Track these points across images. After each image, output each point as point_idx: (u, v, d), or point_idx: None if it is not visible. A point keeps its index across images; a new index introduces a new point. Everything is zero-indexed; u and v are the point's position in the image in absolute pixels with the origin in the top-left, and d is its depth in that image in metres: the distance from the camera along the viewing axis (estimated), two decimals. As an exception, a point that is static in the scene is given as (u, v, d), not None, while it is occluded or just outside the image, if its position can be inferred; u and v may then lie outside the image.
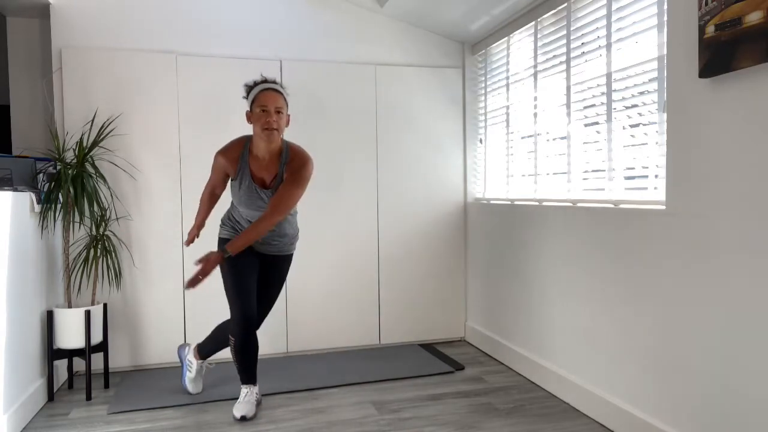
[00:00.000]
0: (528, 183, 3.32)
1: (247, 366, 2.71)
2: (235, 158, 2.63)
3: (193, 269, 3.45)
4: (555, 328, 2.91)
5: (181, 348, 3.06)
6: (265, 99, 2.53)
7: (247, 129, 3.55)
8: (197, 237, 2.88)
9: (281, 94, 2.59)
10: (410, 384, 3.10)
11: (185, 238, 3.45)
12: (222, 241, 2.77)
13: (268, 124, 2.52)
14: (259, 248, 2.76)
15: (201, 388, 2.99)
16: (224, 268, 2.68)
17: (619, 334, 2.44)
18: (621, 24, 2.51)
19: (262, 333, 3.61)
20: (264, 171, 2.63)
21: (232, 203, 2.78)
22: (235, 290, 2.65)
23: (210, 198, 2.86)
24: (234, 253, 2.56)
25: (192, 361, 2.95)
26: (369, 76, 3.76)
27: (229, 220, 2.78)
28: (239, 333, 2.65)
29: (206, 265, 2.52)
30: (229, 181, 2.73)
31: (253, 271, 2.73)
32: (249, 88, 2.62)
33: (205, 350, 2.91)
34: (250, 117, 2.60)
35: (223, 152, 2.65)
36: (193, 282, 2.48)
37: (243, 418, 2.63)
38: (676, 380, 2.13)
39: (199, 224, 2.88)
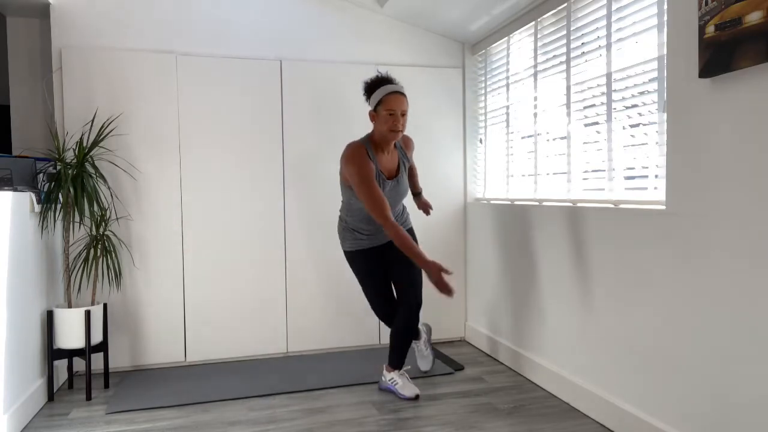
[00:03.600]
0: (528, 183, 3.32)
1: (401, 351, 2.94)
2: (370, 159, 2.72)
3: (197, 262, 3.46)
4: (555, 328, 2.91)
5: (381, 383, 3.02)
6: (393, 103, 2.67)
7: (250, 127, 3.56)
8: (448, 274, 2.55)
9: (405, 96, 2.72)
10: (410, 384, 3.10)
11: (185, 238, 3.45)
12: (349, 255, 2.95)
13: (396, 127, 2.68)
14: (380, 242, 2.91)
15: (416, 389, 2.90)
16: (353, 270, 2.95)
17: (619, 334, 2.44)
18: (621, 24, 2.51)
19: (261, 332, 3.61)
20: (389, 164, 2.83)
21: (349, 215, 2.86)
22: (368, 293, 2.97)
23: (392, 220, 2.58)
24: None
25: (392, 377, 2.95)
26: (369, 76, 3.75)
27: (345, 231, 2.90)
28: (389, 323, 2.99)
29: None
30: (349, 190, 2.78)
31: (381, 268, 2.94)
32: (371, 87, 2.73)
33: (394, 361, 2.96)
34: (375, 117, 2.73)
35: (364, 160, 2.66)
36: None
37: (417, 397, 2.86)
38: (676, 380, 2.13)
39: (427, 260, 2.52)
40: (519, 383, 3.09)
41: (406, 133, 3.05)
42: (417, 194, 3.20)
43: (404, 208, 3.03)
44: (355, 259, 2.94)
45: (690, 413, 2.07)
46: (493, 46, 3.69)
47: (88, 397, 2.93)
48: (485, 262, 3.69)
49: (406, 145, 2.95)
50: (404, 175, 2.89)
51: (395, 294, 2.98)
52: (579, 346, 2.72)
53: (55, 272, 3.15)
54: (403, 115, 2.71)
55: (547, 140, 3.11)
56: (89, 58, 3.31)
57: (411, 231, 3.03)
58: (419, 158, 3.85)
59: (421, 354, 3.25)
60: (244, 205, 3.57)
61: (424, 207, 3.18)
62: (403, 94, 2.72)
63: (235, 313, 3.57)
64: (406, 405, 2.80)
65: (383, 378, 2.99)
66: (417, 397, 2.87)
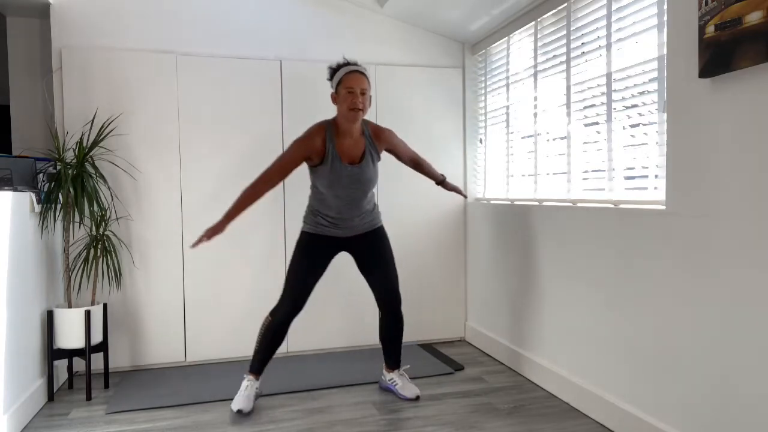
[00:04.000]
0: (528, 183, 3.32)
1: (266, 354, 2.80)
2: (322, 143, 2.67)
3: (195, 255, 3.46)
4: (555, 328, 2.91)
5: (381, 383, 3.04)
6: (351, 81, 2.64)
7: (250, 127, 3.56)
8: (207, 240, 2.60)
9: (365, 76, 2.69)
10: (410, 384, 3.10)
11: (185, 238, 3.45)
12: (304, 235, 2.81)
13: (354, 104, 2.63)
14: (343, 233, 2.80)
15: (416, 390, 2.90)
16: (297, 250, 2.78)
17: (619, 334, 2.44)
18: (621, 24, 2.51)
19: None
20: (351, 150, 2.73)
21: (313, 198, 2.80)
22: (296, 277, 2.76)
23: (260, 191, 2.64)
24: None
25: (391, 377, 2.96)
26: (369, 76, 3.75)
27: (310, 215, 2.81)
28: (281, 316, 2.76)
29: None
30: (313, 174, 2.75)
31: (323, 265, 2.82)
32: (333, 71, 2.71)
33: (390, 362, 2.97)
34: (336, 98, 2.70)
35: (308, 139, 2.66)
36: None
37: (240, 412, 2.68)
38: (676, 380, 2.13)
39: (225, 223, 2.60)
40: (519, 383, 3.09)
41: (399, 134, 3.04)
42: (441, 182, 3.10)
43: (375, 206, 2.89)
44: (307, 242, 2.78)
45: (690, 413, 2.07)
46: (493, 46, 3.69)
47: (88, 397, 2.93)
48: (485, 262, 3.69)
49: (377, 135, 2.80)
50: (371, 164, 2.74)
51: (374, 293, 2.90)
52: (579, 346, 2.72)
53: (55, 272, 3.15)
54: (363, 94, 2.64)
55: (547, 140, 3.11)
56: (89, 58, 3.31)
57: (381, 228, 2.89)
58: (419, 158, 3.85)
59: (248, 395, 2.77)
60: (244, 205, 3.57)
61: (456, 191, 3.11)
62: (362, 74, 2.67)
63: (235, 313, 3.57)
64: (406, 405, 2.80)
65: (383, 378, 2.99)
66: (417, 398, 2.86)
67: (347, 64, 2.70)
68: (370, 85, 2.70)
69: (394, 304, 2.89)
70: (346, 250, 2.88)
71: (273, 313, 2.80)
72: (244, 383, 2.79)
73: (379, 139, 2.81)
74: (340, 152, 2.69)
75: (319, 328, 3.72)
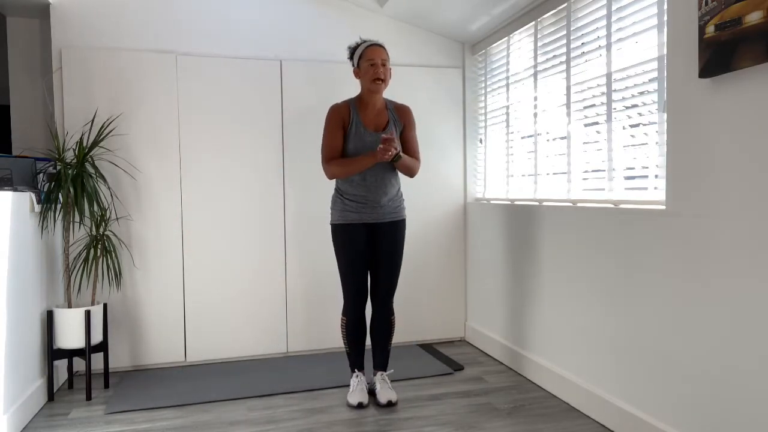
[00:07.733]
0: (528, 183, 3.32)
1: (356, 350, 2.90)
2: (347, 112, 2.81)
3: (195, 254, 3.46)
4: (555, 328, 2.91)
5: (369, 384, 2.99)
6: (372, 53, 2.78)
7: (250, 127, 3.57)
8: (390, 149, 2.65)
9: (384, 48, 2.82)
10: (410, 384, 3.10)
11: (185, 238, 3.45)
12: (334, 227, 2.84)
13: (376, 74, 2.75)
14: (370, 217, 2.82)
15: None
16: (334, 245, 2.85)
17: (619, 334, 2.44)
18: (621, 24, 2.51)
19: (261, 332, 3.61)
20: (375, 119, 2.85)
21: (339, 179, 2.85)
22: (344, 271, 2.83)
23: (337, 175, 2.77)
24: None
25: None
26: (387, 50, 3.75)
27: (335, 198, 2.86)
28: (351, 312, 2.85)
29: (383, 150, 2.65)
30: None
31: (365, 246, 2.84)
32: (353, 49, 2.85)
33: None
34: (358, 73, 2.83)
35: (335, 110, 2.82)
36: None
37: (360, 405, 2.76)
38: (676, 380, 2.13)
39: (374, 159, 2.71)
40: (519, 383, 3.09)
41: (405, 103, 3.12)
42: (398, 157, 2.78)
43: (400, 192, 2.91)
44: (340, 233, 2.80)
45: (690, 413, 2.07)
46: (493, 46, 3.69)
47: (88, 397, 2.93)
48: (485, 262, 3.69)
49: (401, 112, 2.90)
50: (394, 133, 2.81)
51: (371, 283, 2.90)
52: (579, 346, 2.72)
53: (55, 272, 3.15)
54: (384, 64, 2.77)
55: (547, 140, 3.11)
56: (89, 58, 3.31)
57: (404, 222, 2.90)
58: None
59: (361, 389, 2.87)
60: (244, 204, 3.57)
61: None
62: (381, 46, 2.80)
63: (235, 313, 3.57)
64: (405, 405, 2.80)
65: (372, 379, 2.97)
66: (389, 403, 2.78)
67: (365, 41, 2.83)
68: (389, 57, 2.82)
69: (386, 299, 2.90)
70: (370, 235, 2.86)
71: (344, 312, 2.89)
72: (354, 380, 2.88)
73: (402, 115, 2.92)
74: (365, 120, 2.82)
75: (319, 328, 3.72)
